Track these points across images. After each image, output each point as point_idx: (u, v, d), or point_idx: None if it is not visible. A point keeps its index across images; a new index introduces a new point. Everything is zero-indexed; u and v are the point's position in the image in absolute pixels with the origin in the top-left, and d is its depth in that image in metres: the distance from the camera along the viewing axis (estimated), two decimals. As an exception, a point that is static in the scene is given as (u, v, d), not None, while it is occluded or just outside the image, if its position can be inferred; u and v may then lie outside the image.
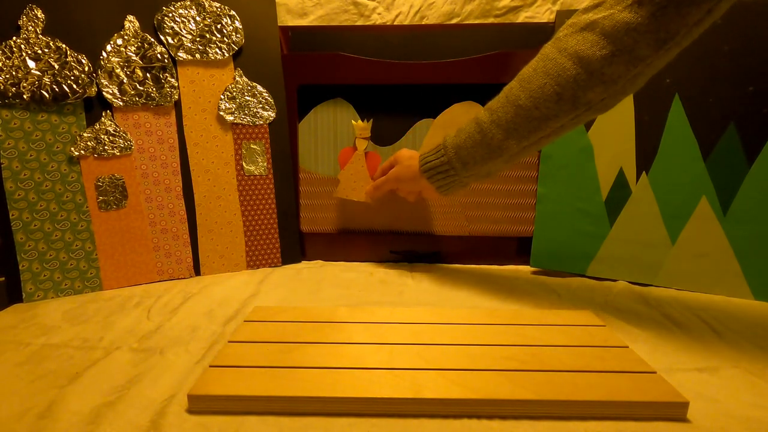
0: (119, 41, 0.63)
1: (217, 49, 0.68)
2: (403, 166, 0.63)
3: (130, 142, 0.64)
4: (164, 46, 0.65)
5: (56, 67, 0.59)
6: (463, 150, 0.54)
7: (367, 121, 0.73)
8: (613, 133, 0.66)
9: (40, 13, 0.59)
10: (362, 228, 0.77)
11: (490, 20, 0.79)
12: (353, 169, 0.74)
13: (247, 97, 0.70)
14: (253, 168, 0.71)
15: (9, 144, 0.58)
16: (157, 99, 0.65)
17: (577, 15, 0.44)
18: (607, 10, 0.41)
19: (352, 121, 0.74)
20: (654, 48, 0.40)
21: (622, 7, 0.40)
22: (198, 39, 0.67)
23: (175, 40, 0.65)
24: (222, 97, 0.69)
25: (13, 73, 0.57)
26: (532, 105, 0.46)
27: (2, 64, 0.57)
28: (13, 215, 0.58)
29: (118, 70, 0.63)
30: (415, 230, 0.76)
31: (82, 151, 0.61)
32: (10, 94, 0.57)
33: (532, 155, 0.72)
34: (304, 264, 0.75)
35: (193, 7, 0.66)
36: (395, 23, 0.81)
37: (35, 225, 0.59)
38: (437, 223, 0.76)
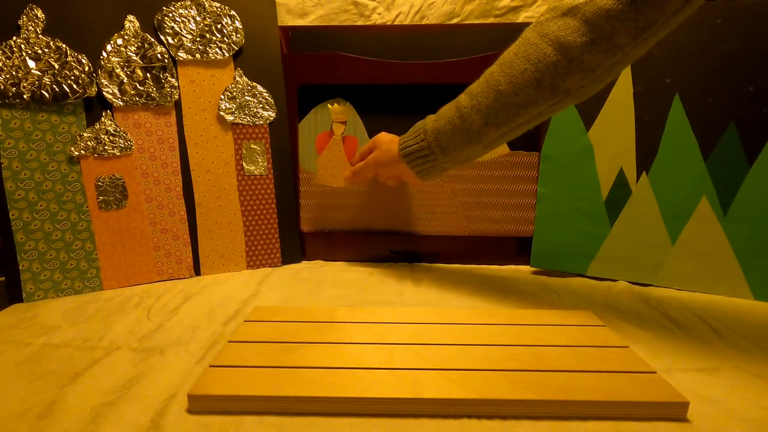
0: (119, 41, 0.63)
1: (217, 49, 0.68)
2: (382, 151, 0.63)
3: (130, 142, 0.64)
4: (164, 46, 0.65)
5: (56, 66, 0.59)
6: (443, 135, 0.53)
7: (343, 105, 0.72)
8: (613, 133, 0.66)
9: (40, 13, 0.59)
10: (362, 228, 0.77)
11: (490, 20, 0.79)
12: (331, 155, 0.73)
13: (247, 97, 0.70)
14: (253, 168, 0.71)
15: (9, 144, 0.58)
16: (157, 99, 0.65)
17: None
18: None
19: (328, 105, 0.72)
20: (633, 36, 0.40)
21: None
22: (198, 39, 0.67)
23: (176, 40, 0.65)
24: (222, 97, 0.69)
25: (13, 72, 0.57)
26: (512, 91, 0.46)
27: (2, 64, 0.57)
28: (13, 215, 0.58)
29: (118, 70, 0.63)
30: (415, 230, 0.76)
31: (82, 151, 0.61)
32: (10, 93, 0.57)
33: (530, 156, 0.72)
34: (304, 264, 0.75)
35: (193, 7, 0.66)
36: (395, 23, 0.81)
37: (35, 225, 0.59)
38: (437, 223, 0.76)
